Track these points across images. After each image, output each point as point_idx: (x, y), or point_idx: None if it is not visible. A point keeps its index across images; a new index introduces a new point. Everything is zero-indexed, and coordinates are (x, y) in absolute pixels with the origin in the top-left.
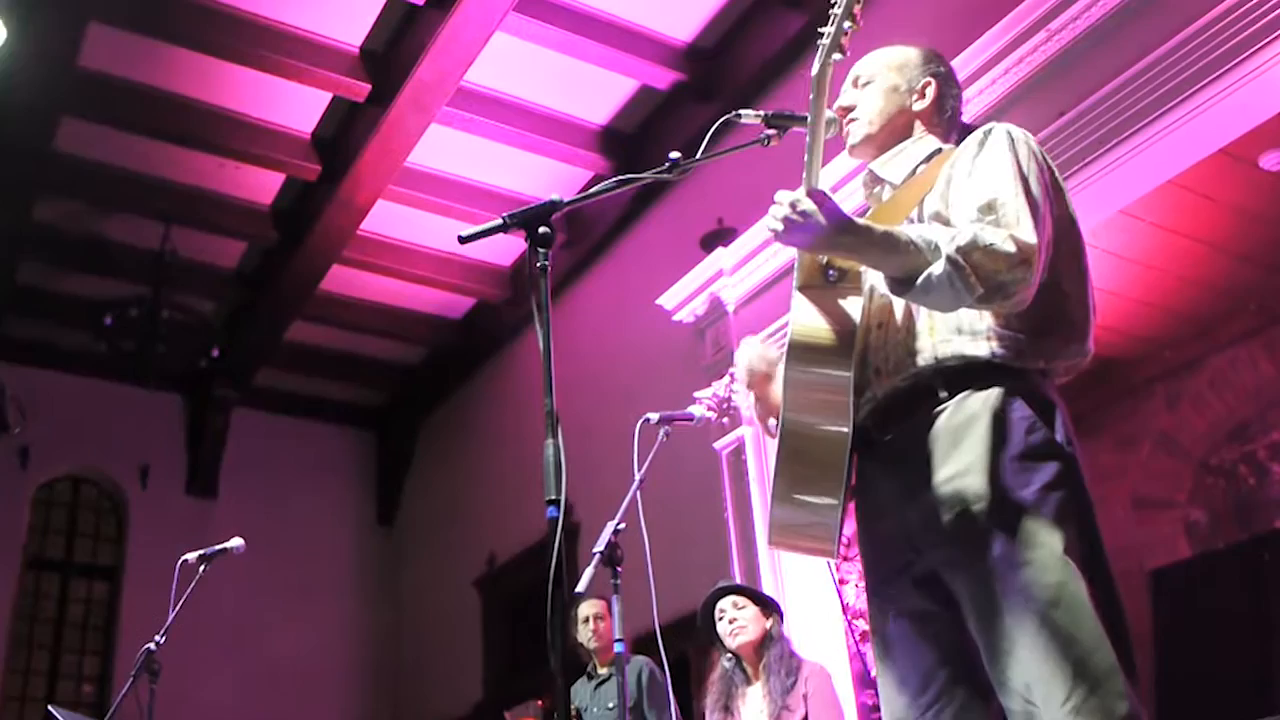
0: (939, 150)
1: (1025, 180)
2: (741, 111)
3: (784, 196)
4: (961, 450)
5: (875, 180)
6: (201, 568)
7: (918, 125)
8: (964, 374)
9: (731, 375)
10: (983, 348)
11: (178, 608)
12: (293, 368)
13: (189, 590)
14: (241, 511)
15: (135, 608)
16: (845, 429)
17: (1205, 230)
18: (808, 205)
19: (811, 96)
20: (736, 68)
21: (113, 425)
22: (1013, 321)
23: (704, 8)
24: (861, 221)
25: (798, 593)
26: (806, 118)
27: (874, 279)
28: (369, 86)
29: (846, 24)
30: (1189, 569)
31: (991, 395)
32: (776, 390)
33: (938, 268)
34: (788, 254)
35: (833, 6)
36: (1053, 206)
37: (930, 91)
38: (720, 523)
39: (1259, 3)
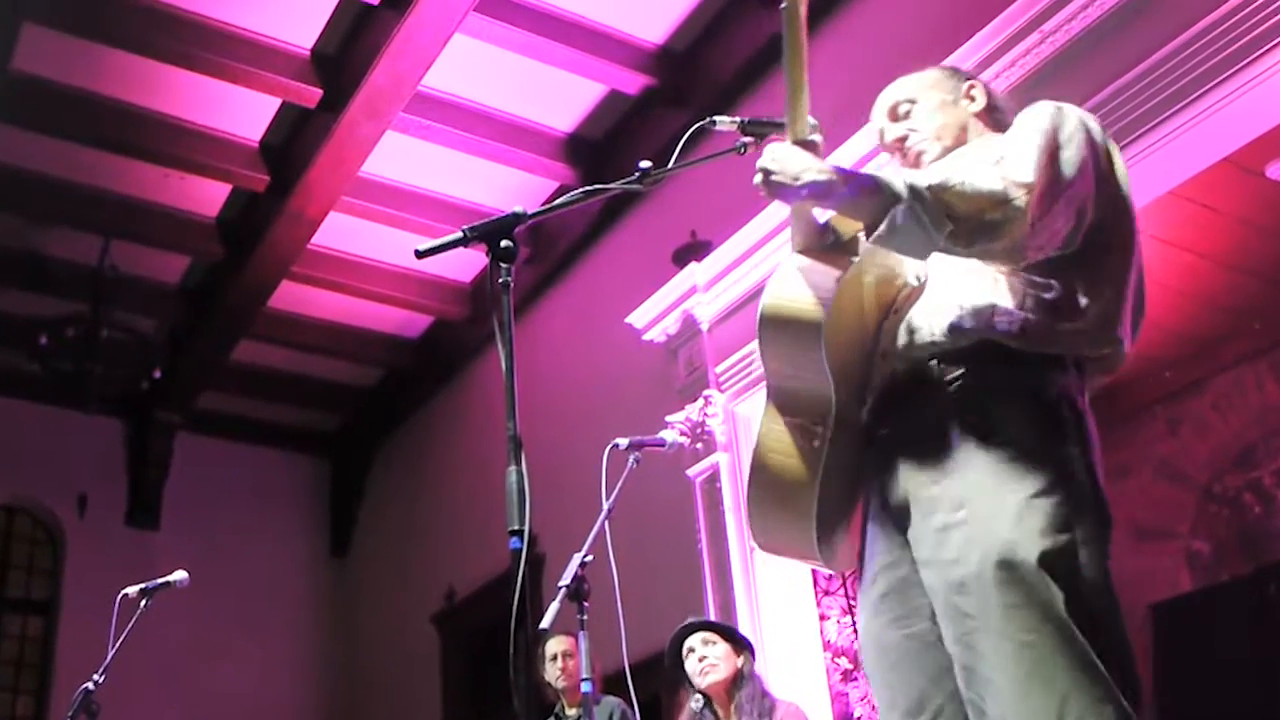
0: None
1: (1050, 138)
2: (716, 118)
3: (769, 148)
4: (946, 452)
5: None
6: (143, 602)
7: (977, 128)
8: (959, 354)
9: (706, 399)
10: (987, 325)
11: (118, 645)
12: (240, 390)
13: (130, 626)
14: (185, 543)
15: (72, 645)
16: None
17: (1208, 243)
18: (779, 153)
19: (785, 34)
20: (710, 72)
21: (48, 451)
22: (1027, 301)
23: (676, 8)
24: (833, 167)
25: (775, 628)
26: (784, 124)
27: (908, 266)
28: (320, 91)
29: None
30: (1191, 603)
31: (991, 383)
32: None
33: (902, 205)
34: (765, 268)
35: None
36: (1101, 183)
37: (978, 93)
38: (693, 554)
39: (1265, 3)
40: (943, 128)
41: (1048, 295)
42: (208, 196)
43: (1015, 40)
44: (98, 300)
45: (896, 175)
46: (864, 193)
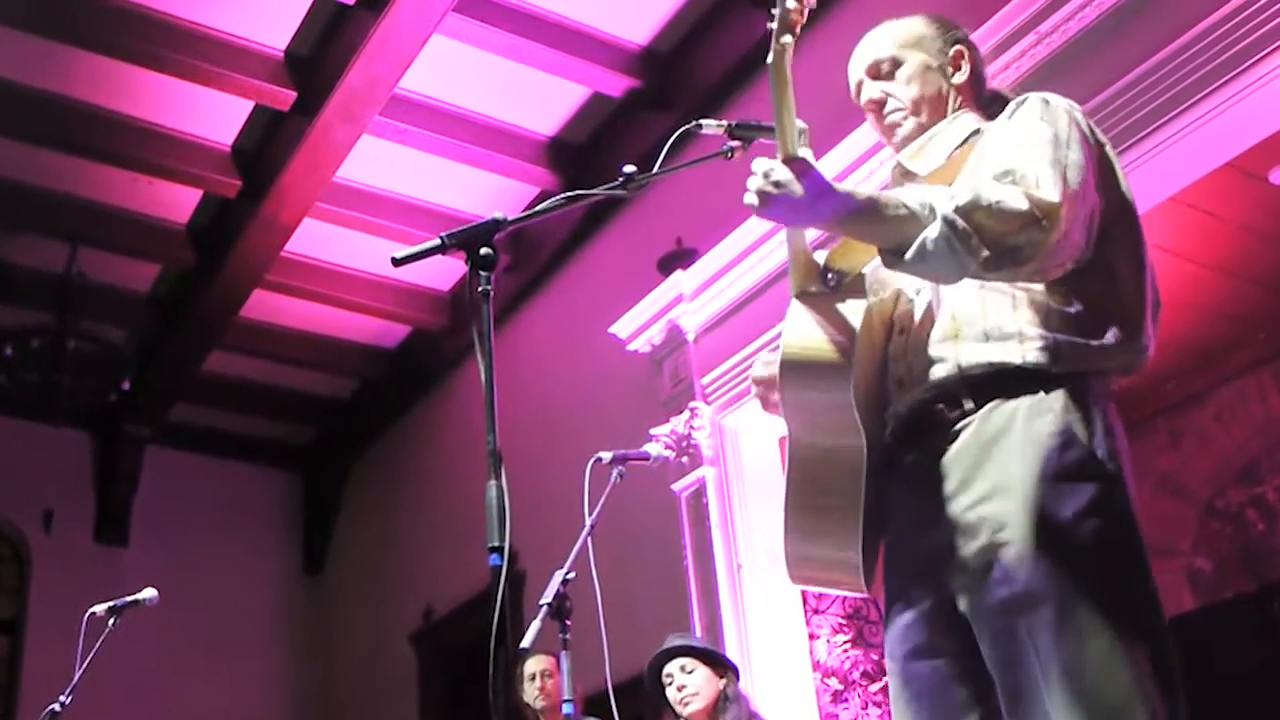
0: (978, 131)
1: (1055, 146)
2: (702, 121)
3: (760, 165)
4: (986, 471)
5: (905, 174)
6: (111, 621)
7: (953, 101)
8: (991, 382)
9: (692, 411)
10: (1013, 353)
11: (85, 664)
12: (211, 402)
13: (97, 645)
14: (155, 560)
15: (38, 664)
16: (858, 443)
17: (1210, 251)
18: (782, 174)
19: (772, 76)
20: (696, 73)
21: (13, 466)
22: (1052, 320)
23: (661, 8)
24: (844, 188)
25: (763, 648)
26: (773, 127)
27: (897, 280)
28: (294, 94)
29: (790, 3)
30: (1193, 622)
31: (1021, 406)
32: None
33: (933, 230)
34: (753, 276)
35: None
36: (1102, 183)
37: (965, 63)
38: (679, 571)
39: (1268, 3)
40: (921, 100)
41: (1072, 311)
42: (178, 202)
43: (1011, 41)
44: (64, 309)
45: (919, 194)
46: (885, 214)
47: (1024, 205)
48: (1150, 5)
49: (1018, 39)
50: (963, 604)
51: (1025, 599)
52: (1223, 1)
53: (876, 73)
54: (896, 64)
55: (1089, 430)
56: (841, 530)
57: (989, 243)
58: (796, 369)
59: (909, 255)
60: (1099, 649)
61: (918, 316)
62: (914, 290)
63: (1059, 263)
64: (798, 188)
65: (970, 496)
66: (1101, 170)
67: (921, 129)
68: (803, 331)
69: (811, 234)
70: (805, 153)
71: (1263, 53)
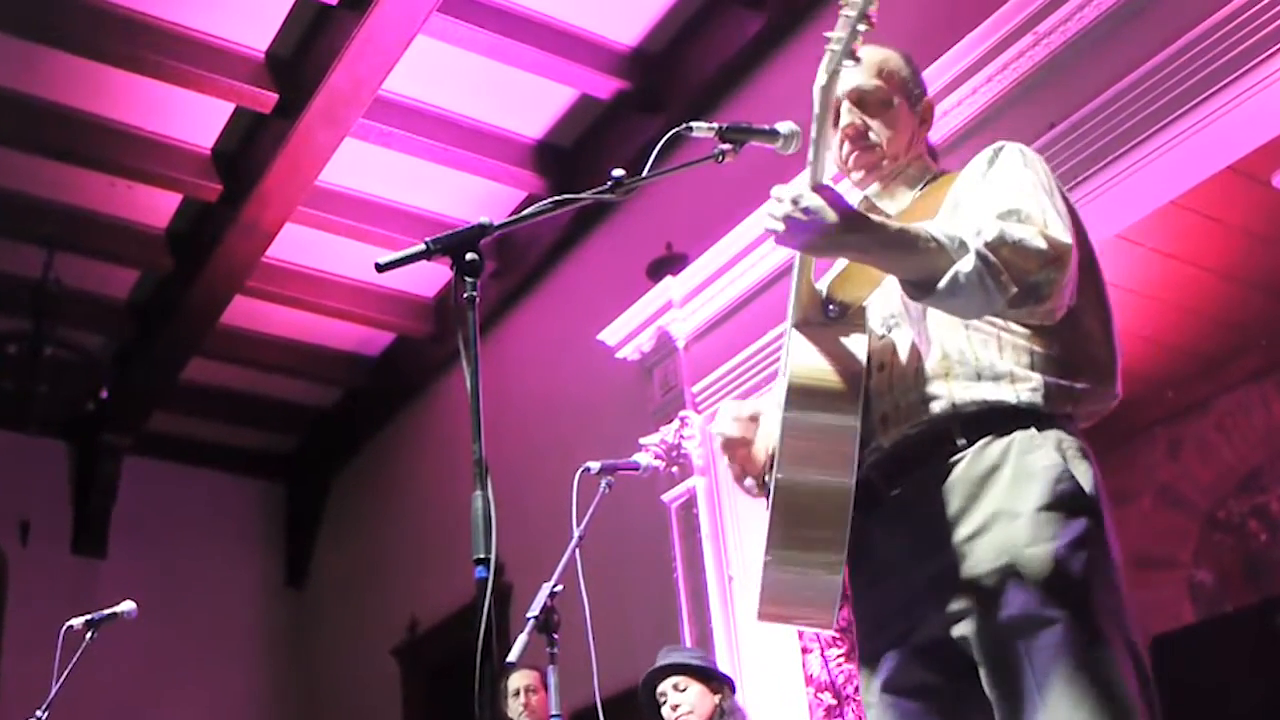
0: (935, 176)
1: (1048, 192)
2: (693, 124)
3: (783, 191)
4: (982, 502)
5: (871, 209)
6: (89, 634)
7: (915, 144)
8: (984, 420)
9: (682, 420)
10: (1006, 393)
11: (62, 679)
12: (191, 411)
13: (74, 660)
14: (133, 572)
15: (14, 679)
16: (848, 482)
17: (1211, 256)
18: (813, 200)
19: (817, 108)
20: (687, 75)
21: None
22: (1036, 362)
23: (651, 8)
24: (875, 217)
25: (755, 662)
26: (764, 130)
27: (871, 318)
28: (276, 96)
29: (861, 26)
30: (1194, 635)
31: (1015, 441)
32: (756, 452)
33: (966, 264)
34: (745, 283)
35: (843, 7)
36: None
37: (929, 114)
38: (669, 584)
39: (1271, 3)
40: (902, 148)
41: (1052, 354)
42: (157, 207)
43: (1008, 43)
44: (41, 316)
45: (942, 227)
46: (911, 247)
47: (1043, 244)
48: (1150, 6)
49: (1014, 40)
50: (962, 630)
51: (1026, 621)
52: (1224, 2)
53: (860, 100)
54: (885, 104)
55: (1077, 467)
56: (826, 566)
57: (1015, 278)
58: (805, 395)
59: (941, 287)
60: (1098, 676)
61: (901, 353)
62: (884, 327)
63: (1064, 304)
64: (830, 215)
65: (969, 526)
66: (1072, 219)
67: (895, 172)
68: (809, 359)
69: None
70: (824, 174)
71: (1265, 54)
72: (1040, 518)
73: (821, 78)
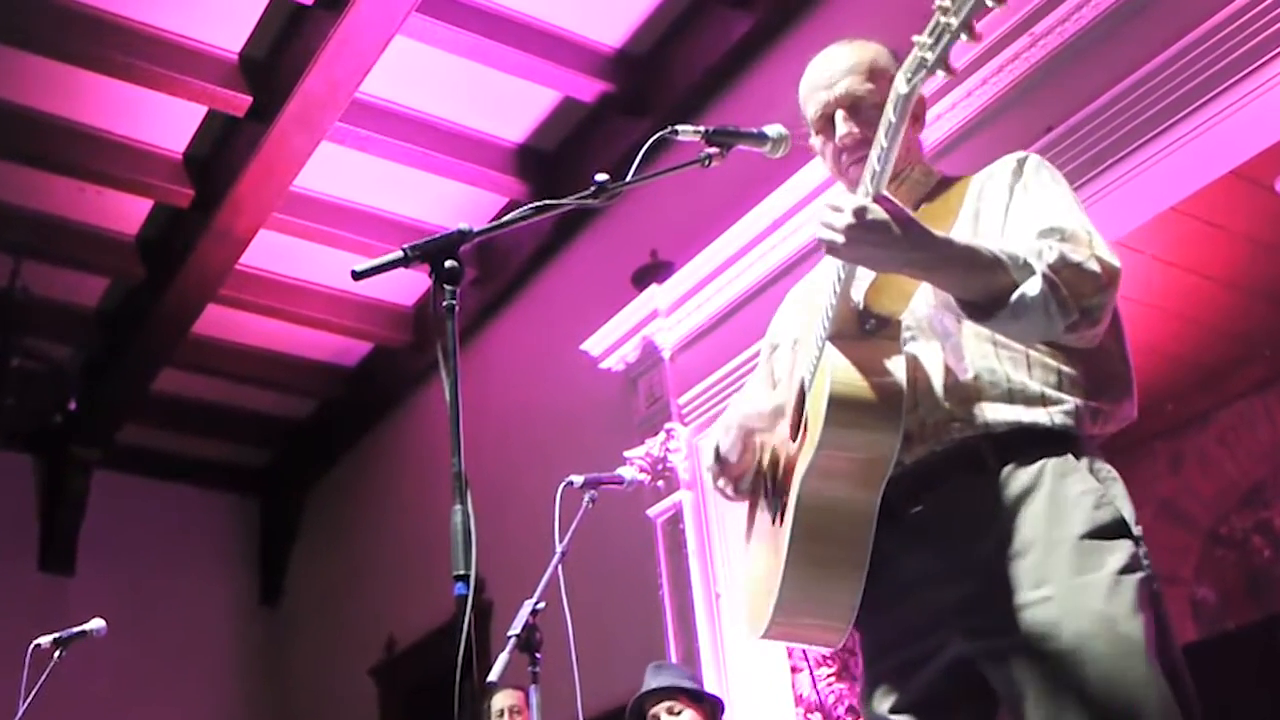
0: (940, 180)
1: (1083, 210)
2: (679, 127)
3: (843, 201)
4: (1017, 526)
5: None
6: (57, 653)
7: (911, 148)
8: (1016, 442)
9: (668, 432)
10: (1040, 415)
11: (29, 699)
12: (162, 423)
13: (42, 679)
14: (103, 589)
15: None
16: (874, 500)
17: (1213, 264)
18: (879, 213)
19: (894, 117)
20: (673, 77)
21: None
22: (1065, 383)
23: (636, 8)
24: (940, 233)
25: (743, 681)
26: (751, 133)
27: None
28: (250, 99)
29: (963, 36)
30: (1196, 654)
31: (1049, 465)
32: (750, 456)
33: (1033, 287)
34: (733, 291)
35: (939, 10)
36: None
37: (922, 111)
38: (654, 601)
39: (1274, 4)
40: (901, 150)
41: (1078, 373)
42: (127, 213)
43: (1003, 44)
44: (7, 326)
45: (1013, 246)
46: (979, 263)
47: (1098, 268)
48: (1151, 6)
49: (1010, 41)
50: (983, 660)
51: (1065, 659)
52: (1227, 1)
53: (854, 107)
54: (880, 108)
55: (1114, 491)
56: (843, 586)
57: (1076, 301)
58: (845, 408)
59: (1006, 308)
60: (1148, 702)
61: (927, 368)
62: (909, 332)
63: (1103, 331)
64: (897, 231)
65: (1003, 550)
66: None
67: (893, 178)
68: (848, 371)
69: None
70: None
71: (1268, 56)
72: (1084, 546)
73: (901, 85)
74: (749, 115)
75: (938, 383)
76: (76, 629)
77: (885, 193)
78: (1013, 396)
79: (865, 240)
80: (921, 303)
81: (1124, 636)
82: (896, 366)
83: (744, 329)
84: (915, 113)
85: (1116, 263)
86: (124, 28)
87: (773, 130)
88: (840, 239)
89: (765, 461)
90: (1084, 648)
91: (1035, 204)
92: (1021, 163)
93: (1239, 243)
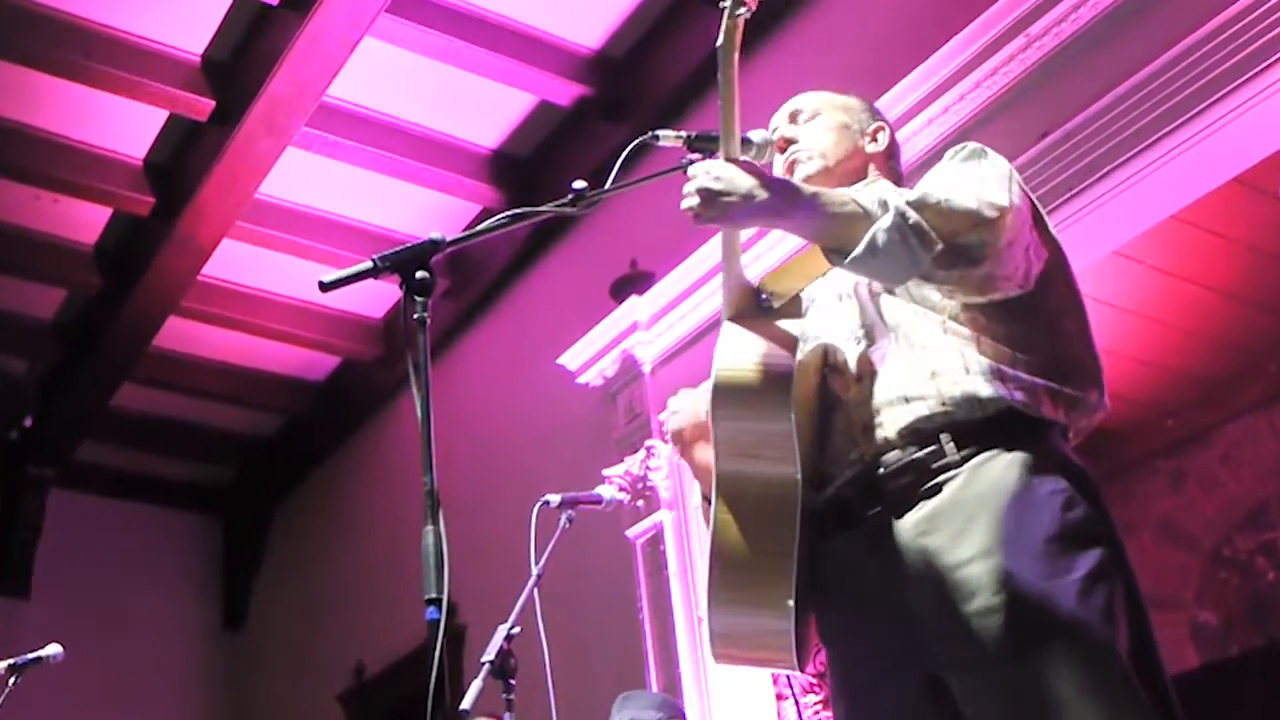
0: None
1: (1000, 180)
2: (659, 132)
3: (699, 168)
4: (979, 527)
5: None
6: (11, 680)
7: (871, 171)
8: (977, 426)
9: (648, 450)
10: (997, 390)
11: None
12: (122, 440)
13: None
14: (59, 613)
15: None
16: (793, 477)
17: (1215, 274)
18: (725, 169)
19: (721, 47)
20: (653, 80)
21: None
22: (1019, 364)
23: (615, 9)
24: (791, 181)
25: (726, 710)
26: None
27: (830, 334)
28: (212, 103)
29: None
30: (1197, 680)
31: (1015, 461)
32: (706, 457)
33: (885, 221)
34: (715, 303)
35: None
36: (1039, 233)
37: (883, 137)
38: (634, 625)
39: (1278, 4)
40: (832, 148)
41: (1035, 359)
42: (85, 221)
43: (998, 45)
44: None
45: (869, 193)
46: (831, 209)
47: (973, 204)
48: (1151, 6)
49: (1005, 43)
50: (949, 673)
51: (1030, 671)
52: (1230, 2)
53: (793, 119)
54: (816, 115)
55: (1086, 489)
56: (772, 586)
57: (943, 236)
58: (730, 393)
59: (860, 249)
60: (1118, 706)
61: (880, 363)
62: (854, 340)
63: (1007, 274)
64: (745, 180)
65: (964, 552)
66: (1036, 222)
67: (826, 174)
68: (737, 354)
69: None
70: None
71: (1273, 58)
72: (1052, 549)
73: (721, 35)
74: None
75: (893, 372)
76: (32, 655)
77: (741, 156)
78: (968, 370)
79: (718, 197)
80: (866, 303)
81: (1097, 645)
82: (789, 337)
83: None
84: (873, 136)
85: (1002, 200)
86: (81, 29)
87: (757, 135)
88: (696, 200)
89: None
90: (1055, 658)
91: (944, 175)
92: (956, 151)
93: (1242, 252)
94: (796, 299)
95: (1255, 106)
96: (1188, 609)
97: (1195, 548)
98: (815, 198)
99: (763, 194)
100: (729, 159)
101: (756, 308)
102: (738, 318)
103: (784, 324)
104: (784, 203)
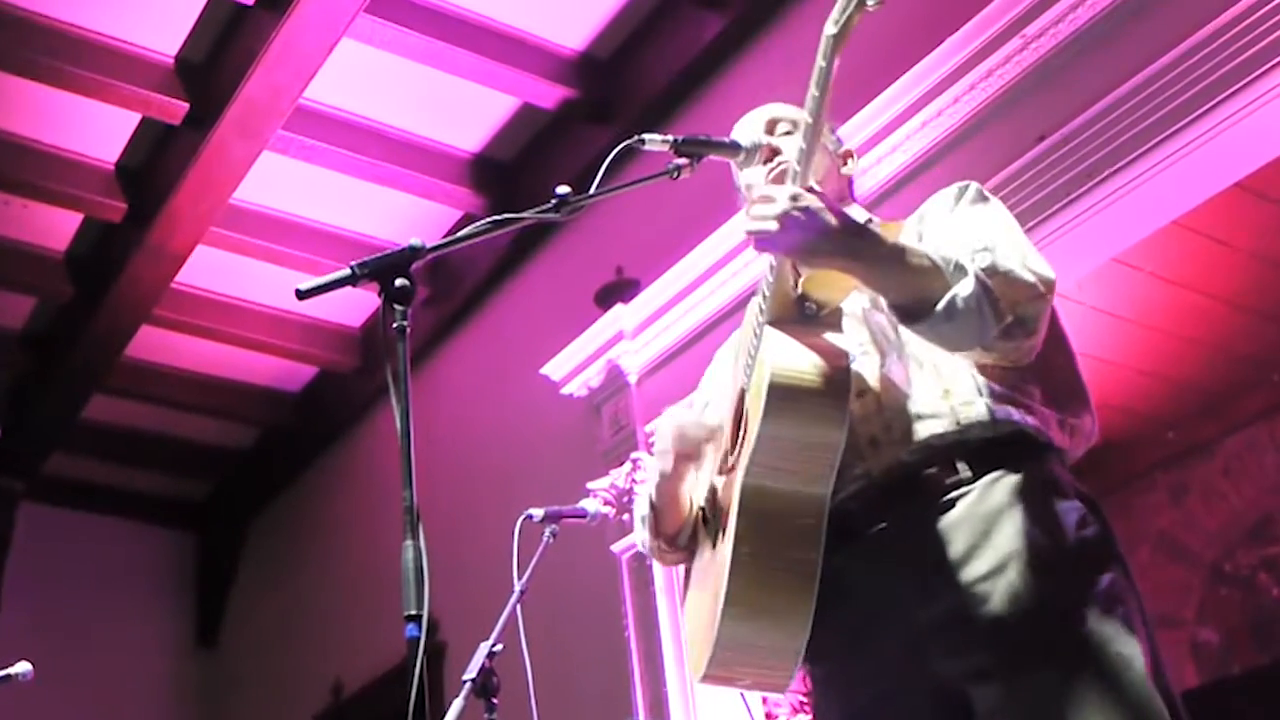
0: (870, 220)
1: (1018, 229)
2: (645, 136)
3: (776, 191)
4: (996, 542)
5: None
6: None
7: (844, 192)
8: (991, 447)
9: (634, 462)
10: (1010, 413)
11: None
12: (93, 453)
13: None
14: (28, 630)
15: None
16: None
17: (1217, 282)
18: (812, 200)
19: (821, 65)
20: (639, 82)
21: None
22: (1029, 388)
23: (600, 9)
24: (872, 227)
25: None
26: (724, 143)
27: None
28: (186, 105)
29: None
30: (1198, 700)
31: (1027, 480)
32: (684, 489)
33: (965, 287)
34: (703, 311)
35: None
36: None
37: (853, 162)
38: (620, 643)
39: None
40: (819, 166)
41: (1034, 387)
42: (55, 227)
43: (993, 47)
44: None
45: (946, 249)
46: (912, 261)
47: (1031, 277)
48: (1151, 6)
49: (1001, 44)
50: (979, 683)
51: (1058, 681)
52: (1233, 1)
53: (771, 129)
54: (794, 128)
55: (1094, 508)
56: (791, 609)
57: (1009, 306)
58: (785, 394)
59: (939, 309)
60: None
61: (878, 378)
62: (859, 349)
63: (1040, 343)
64: (830, 218)
65: (980, 568)
66: None
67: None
68: (790, 356)
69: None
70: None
71: (1276, 59)
72: (1067, 567)
73: (830, 27)
74: (721, 123)
75: (898, 388)
76: (1, 673)
77: (813, 184)
78: (981, 394)
79: (799, 226)
80: (866, 317)
81: (1120, 657)
82: (841, 347)
83: (715, 351)
84: (843, 157)
85: (1051, 273)
86: (51, 29)
87: (747, 140)
88: (774, 226)
89: (701, 500)
90: (1082, 669)
91: (968, 223)
92: (963, 190)
93: (1244, 259)
94: (838, 312)
95: (1259, 109)
96: (1188, 627)
97: (1196, 563)
98: (898, 247)
99: (847, 240)
100: (810, 188)
101: (801, 314)
102: (778, 322)
103: (831, 336)
104: (865, 245)
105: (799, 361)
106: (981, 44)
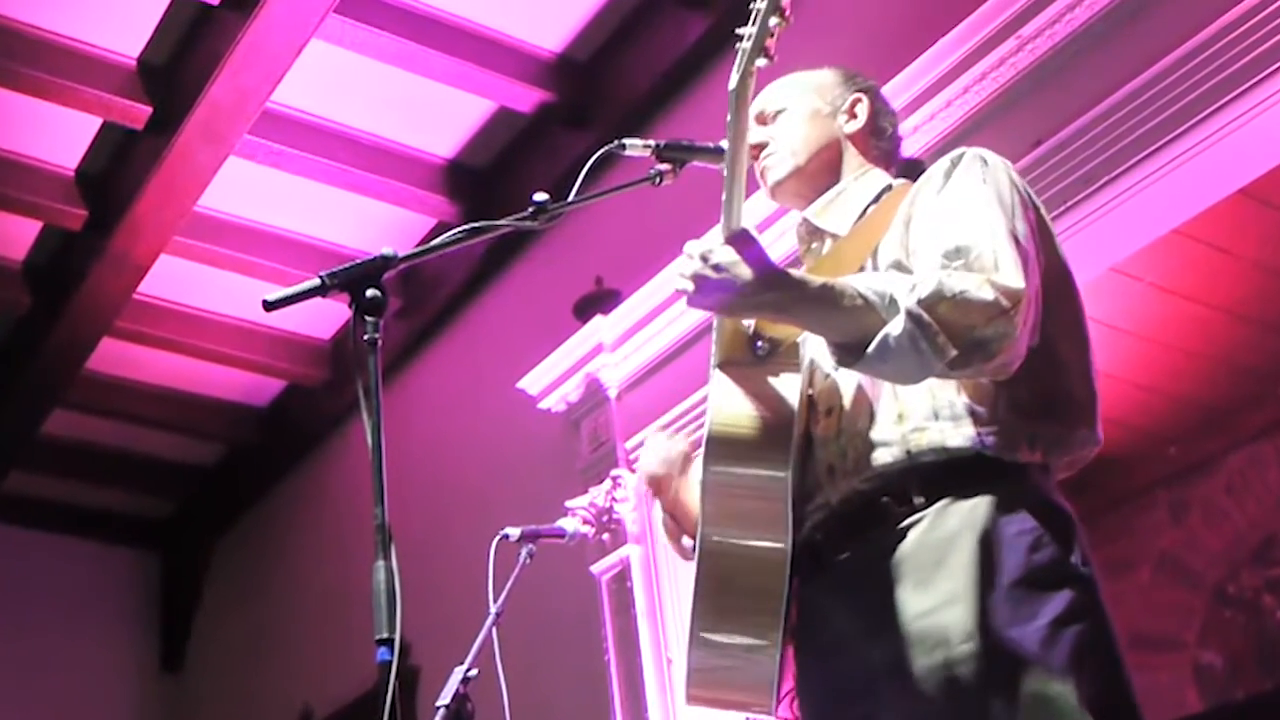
0: (889, 187)
1: (1006, 216)
2: (626, 141)
3: (693, 247)
4: (943, 575)
5: (814, 232)
6: None
7: (852, 155)
8: (944, 473)
9: (614, 480)
10: (967, 435)
11: None
12: (52, 470)
13: None
14: None
15: None
16: (782, 545)
17: (1220, 292)
18: (724, 256)
19: (729, 116)
20: (619, 85)
21: None
22: (1002, 402)
23: (578, 9)
24: (795, 273)
25: None
26: (708, 148)
27: (814, 351)
28: (149, 109)
29: (773, 20)
30: None
31: (980, 504)
32: (689, 499)
33: (895, 326)
34: (686, 322)
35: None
36: (1041, 252)
37: (862, 110)
38: (599, 667)
39: None
40: (804, 142)
41: (1020, 393)
42: (12, 236)
43: (989, 47)
44: None
45: (873, 281)
46: (841, 304)
47: (990, 295)
48: (1151, 7)
49: (996, 44)
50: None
51: (1005, 715)
52: (1234, 2)
53: (763, 119)
54: (783, 110)
55: (1060, 528)
56: (759, 639)
57: (955, 338)
58: (726, 446)
59: (870, 352)
60: None
61: (849, 396)
62: (831, 364)
63: (1020, 355)
64: (744, 272)
65: (922, 604)
66: (1040, 235)
67: (797, 173)
68: (733, 405)
69: None
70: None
71: (1278, 63)
72: (1016, 594)
73: (733, 79)
74: (704, 128)
75: (861, 409)
76: None
77: (746, 226)
78: (937, 414)
79: (713, 286)
80: None
81: (1056, 696)
82: (786, 394)
83: (698, 365)
84: (851, 112)
85: (1018, 283)
86: (6, 29)
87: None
88: (690, 286)
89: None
90: (1016, 711)
91: (948, 216)
92: (955, 161)
93: (1247, 269)
94: (794, 348)
95: (1263, 112)
96: (1189, 650)
97: (1198, 584)
98: (819, 293)
99: (764, 294)
100: (730, 237)
101: (750, 355)
102: (726, 365)
103: (777, 381)
104: (786, 295)
105: (739, 410)
106: (975, 46)
